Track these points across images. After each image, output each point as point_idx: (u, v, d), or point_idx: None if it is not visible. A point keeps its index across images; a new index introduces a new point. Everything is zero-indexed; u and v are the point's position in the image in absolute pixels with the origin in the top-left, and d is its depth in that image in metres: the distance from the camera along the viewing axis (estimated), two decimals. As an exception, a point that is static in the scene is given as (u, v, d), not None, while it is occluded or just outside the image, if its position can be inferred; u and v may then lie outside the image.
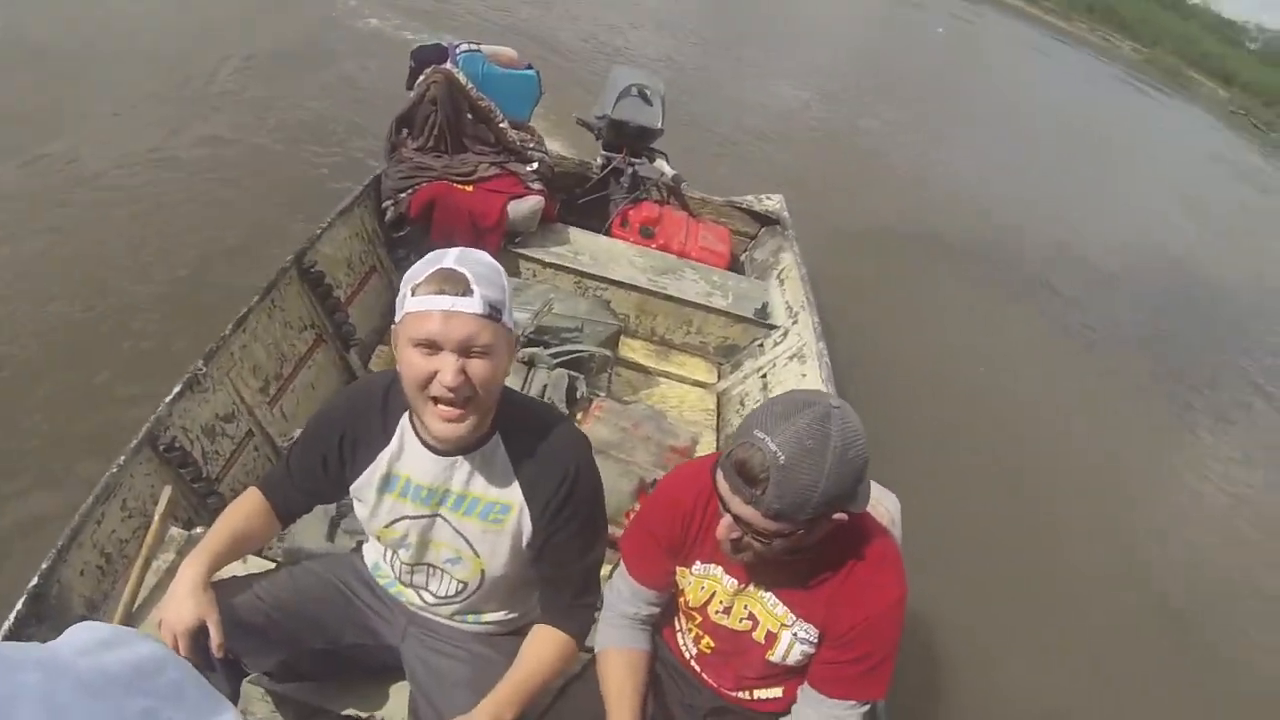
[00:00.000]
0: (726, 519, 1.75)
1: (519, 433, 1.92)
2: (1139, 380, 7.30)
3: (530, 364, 3.87)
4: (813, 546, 1.78)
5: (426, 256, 1.77)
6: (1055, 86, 17.38)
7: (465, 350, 1.70)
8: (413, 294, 1.70)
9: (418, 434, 1.92)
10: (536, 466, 1.93)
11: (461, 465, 1.91)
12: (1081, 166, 12.22)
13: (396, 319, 1.77)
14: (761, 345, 4.51)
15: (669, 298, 4.56)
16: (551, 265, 4.56)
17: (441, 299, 1.67)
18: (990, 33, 20.32)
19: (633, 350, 4.57)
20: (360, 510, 2.06)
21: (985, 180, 10.15)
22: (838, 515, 1.70)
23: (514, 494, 1.93)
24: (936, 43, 17.44)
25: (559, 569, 2.00)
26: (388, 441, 1.95)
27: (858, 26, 17.01)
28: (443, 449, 1.89)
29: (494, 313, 1.71)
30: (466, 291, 1.68)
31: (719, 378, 4.56)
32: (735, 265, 5.27)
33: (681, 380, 4.50)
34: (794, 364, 4.20)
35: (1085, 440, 6.11)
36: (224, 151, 6.48)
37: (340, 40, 9.05)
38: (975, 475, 5.22)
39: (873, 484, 2.14)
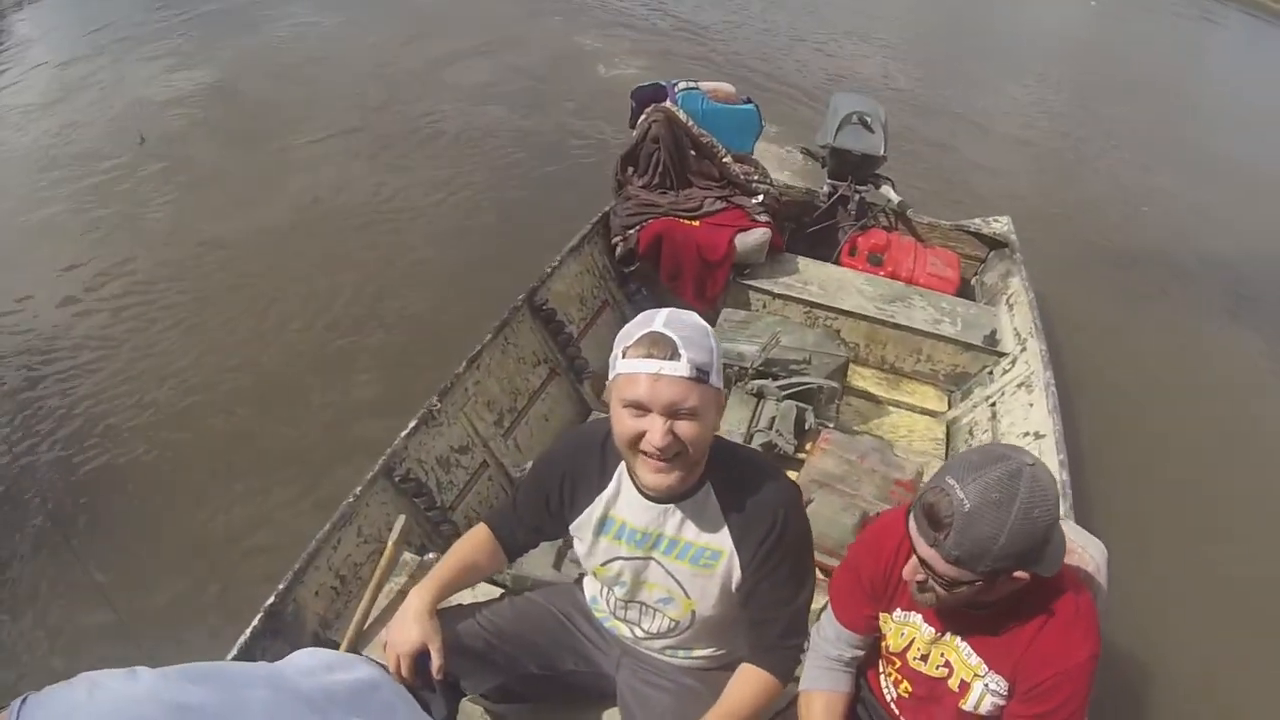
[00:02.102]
0: (913, 559, 1.80)
1: (729, 482, 1.99)
2: None
3: (759, 396, 3.93)
4: (998, 601, 1.81)
5: (638, 317, 1.86)
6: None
7: (673, 412, 1.77)
8: (623, 356, 1.80)
9: (634, 481, 2.00)
10: (746, 515, 1.99)
11: (674, 512, 2.00)
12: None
13: (609, 378, 1.86)
14: (991, 373, 4.40)
15: (898, 326, 4.52)
16: (780, 296, 4.60)
17: (650, 363, 1.75)
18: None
19: (863, 379, 4.55)
20: (579, 548, 2.17)
21: (1215, 182, 9.28)
22: (1019, 574, 1.72)
23: (724, 540, 2.00)
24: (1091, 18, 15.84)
25: (766, 613, 2.05)
26: (605, 486, 2.06)
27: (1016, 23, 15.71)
28: (656, 496, 1.98)
29: (700, 375, 1.77)
30: (674, 355, 1.75)
31: (949, 406, 4.48)
32: (965, 290, 5.16)
33: (911, 409, 4.45)
34: (1021, 393, 4.09)
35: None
36: (453, 193, 6.84)
37: (556, 77, 9.29)
38: (1206, 512, 4.81)
39: (1080, 530, 2.15)
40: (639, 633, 2.22)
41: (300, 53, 9.00)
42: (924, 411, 4.44)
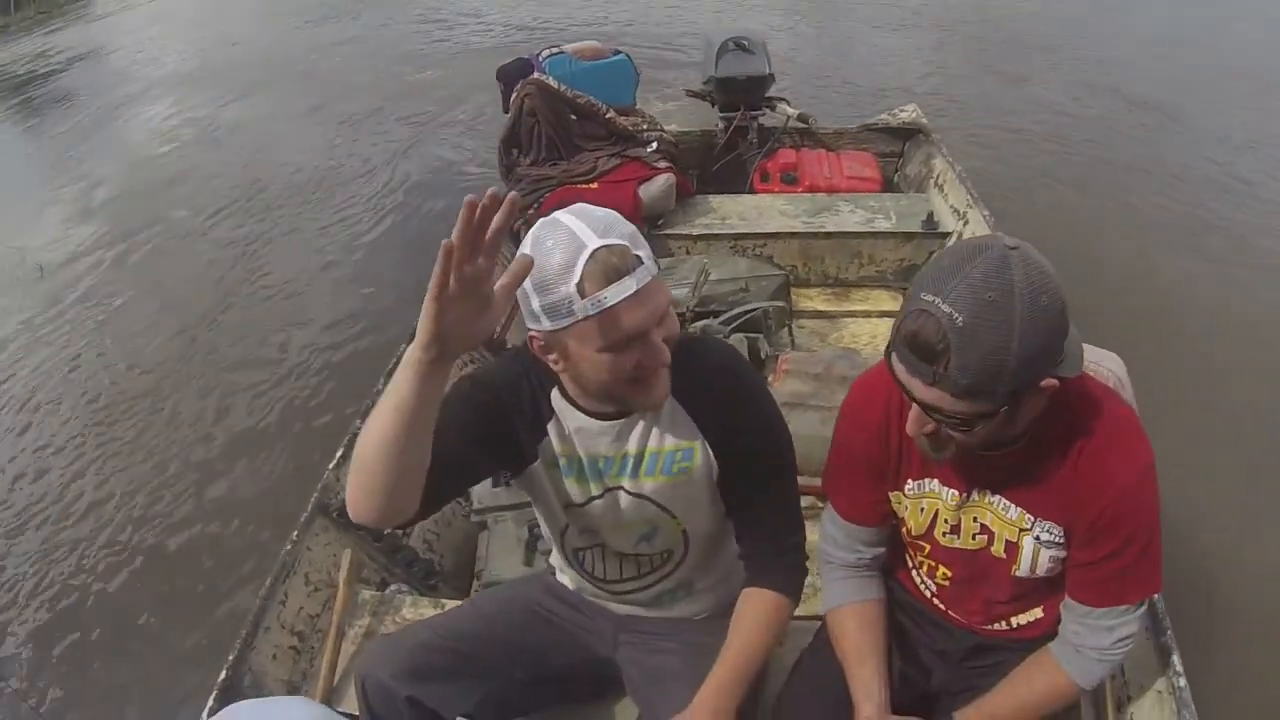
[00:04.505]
0: (914, 411, 1.45)
1: (672, 365, 1.61)
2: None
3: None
4: (1027, 430, 1.50)
5: (542, 247, 1.44)
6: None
7: (659, 319, 1.49)
8: (580, 295, 1.42)
9: (576, 406, 1.68)
10: (700, 391, 1.68)
11: (632, 423, 1.69)
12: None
13: (549, 326, 1.47)
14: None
15: (830, 235, 4.29)
16: (701, 238, 4.34)
17: (626, 282, 1.42)
18: None
19: (809, 299, 4.30)
20: (537, 508, 1.86)
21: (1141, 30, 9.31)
22: (1047, 381, 1.37)
23: (691, 430, 1.70)
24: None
25: (754, 500, 1.76)
26: (546, 422, 1.72)
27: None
28: (611, 414, 1.67)
29: (655, 263, 1.49)
30: (637, 258, 1.44)
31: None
32: (890, 188, 4.95)
33: (868, 315, 4.20)
34: None
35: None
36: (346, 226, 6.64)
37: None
38: (1189, 316, 4.78)
39: (1089, 347, 1.76)
40: (631, 586, 1.92)
41: (175, 152, 8.77)
42: (881, 315, 4.19)
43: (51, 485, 4.52)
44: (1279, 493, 3.68)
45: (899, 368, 1.41)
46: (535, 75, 4.47)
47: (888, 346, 1.45)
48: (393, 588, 2.72)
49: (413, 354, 1.30)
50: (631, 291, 1.42)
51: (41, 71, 12.88)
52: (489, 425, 1.68)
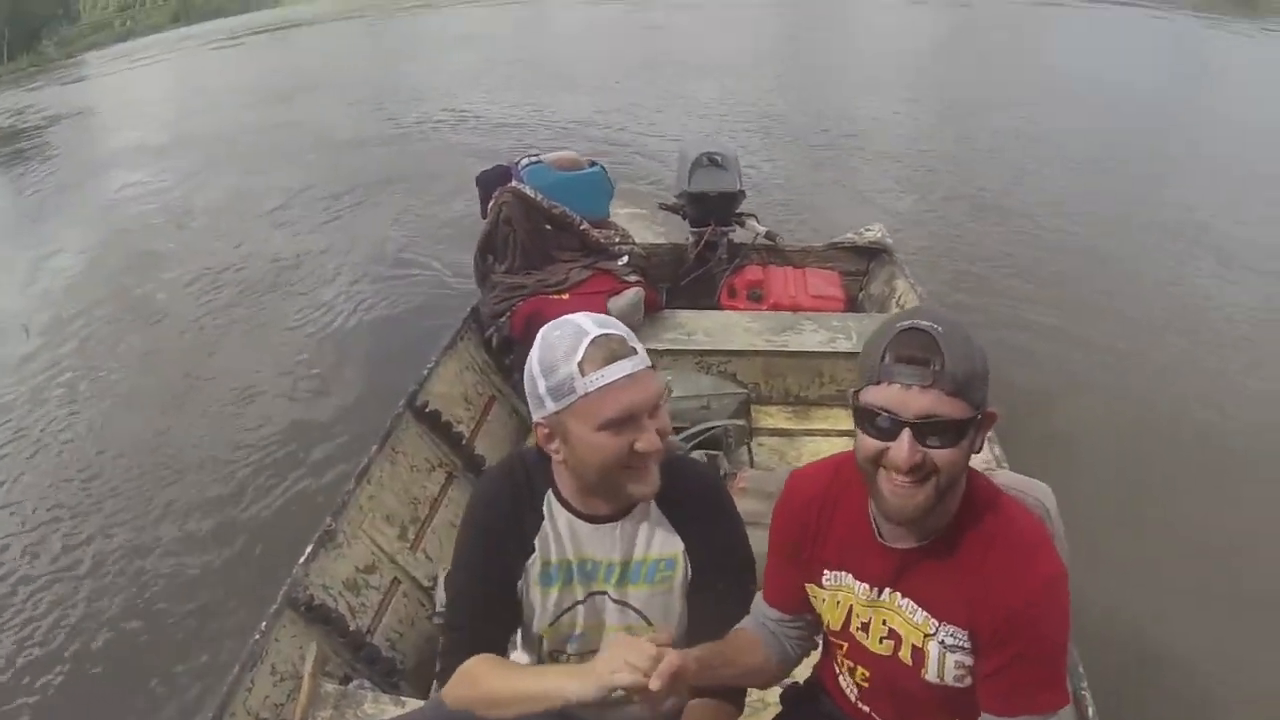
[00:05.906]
0: (903, 442, 1.47)
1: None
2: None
3: (664, 453, 3.74)
4: (948, 518, 1.59)
5: (549, 340, 1.66)
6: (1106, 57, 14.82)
7: (653, 410, 1.63)
8: (581, 374, 1.61)
9: (570, 509, 1.81)
10: (685, 505, 1.82)
11: (622, 528, 1.81)
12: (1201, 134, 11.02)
13: (553, 407, 1.65)
14: None
15: (792, 354, 4.38)
16: (668, 352, 4.40)
17: (622, 364, 1.61)
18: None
19: (769, 416, 4.38)
20: (527, 612, 1.90)
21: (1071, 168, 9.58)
22: (990, 410, 1.52)
23: (673, 541, 1.82)
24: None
25: (716, 615, 1.85)
26: (538, 527, 1.82)
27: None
28: (603, 516, 1.79)
29: (648, 360, 1.65)
30: (633, 349, 1.62)
31: None
32: (854, 306, 5.08)
33: (827, 434, 4.27)
34: None
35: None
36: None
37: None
38: (1129, 449, 4.91)
39: (1018, 476, 1.93)
40: None
41: (142, 228, 8.98)
42: (840, 434, 4.24)
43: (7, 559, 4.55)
44: (1211, 606, 3.79)
45: (890, 390, 1.48)
46: (513, 183, 4.56)
47: (861, 385, 1.53)
48: (355, 683, 2.76)
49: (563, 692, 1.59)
50: (627, 373, 1.59)
51: (22, 128, 13.05)
52: (506, 558, 1.82)
